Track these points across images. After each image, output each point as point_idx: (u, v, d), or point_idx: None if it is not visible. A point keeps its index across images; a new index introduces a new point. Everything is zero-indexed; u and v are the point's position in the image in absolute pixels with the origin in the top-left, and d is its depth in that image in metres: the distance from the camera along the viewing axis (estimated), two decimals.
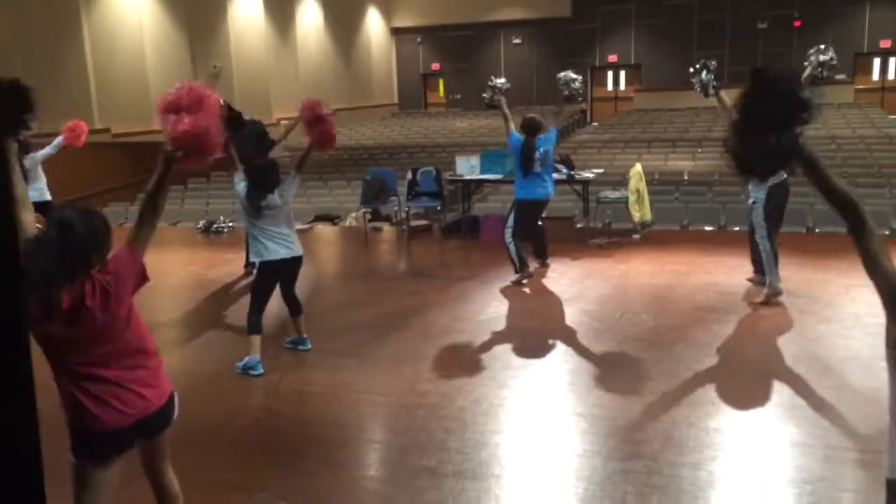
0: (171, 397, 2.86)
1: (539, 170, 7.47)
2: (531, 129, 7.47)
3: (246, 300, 6.79)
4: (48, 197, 8.61)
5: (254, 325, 5.41)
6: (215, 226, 11.12)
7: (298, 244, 5.49)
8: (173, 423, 2.89)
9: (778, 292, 6.52)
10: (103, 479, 2.74)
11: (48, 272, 2.41)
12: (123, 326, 2.67)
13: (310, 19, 23.74)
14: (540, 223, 8.07)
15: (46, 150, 8.56)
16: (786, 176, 6.39)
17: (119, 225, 10.37)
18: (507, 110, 7.88)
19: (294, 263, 5.48)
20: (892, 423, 2.02)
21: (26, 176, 8.04)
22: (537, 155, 7.41)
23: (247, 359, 5.37)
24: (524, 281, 7.51)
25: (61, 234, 2.46)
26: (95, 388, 2.63)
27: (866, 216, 2.02)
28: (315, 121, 5.63)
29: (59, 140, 8.61)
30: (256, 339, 5.41)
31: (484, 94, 8.17)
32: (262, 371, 5.35)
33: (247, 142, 7.17)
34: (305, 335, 5.80)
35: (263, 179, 5.28)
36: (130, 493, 3.12)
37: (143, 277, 2.76)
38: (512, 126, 7.72)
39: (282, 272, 5.49)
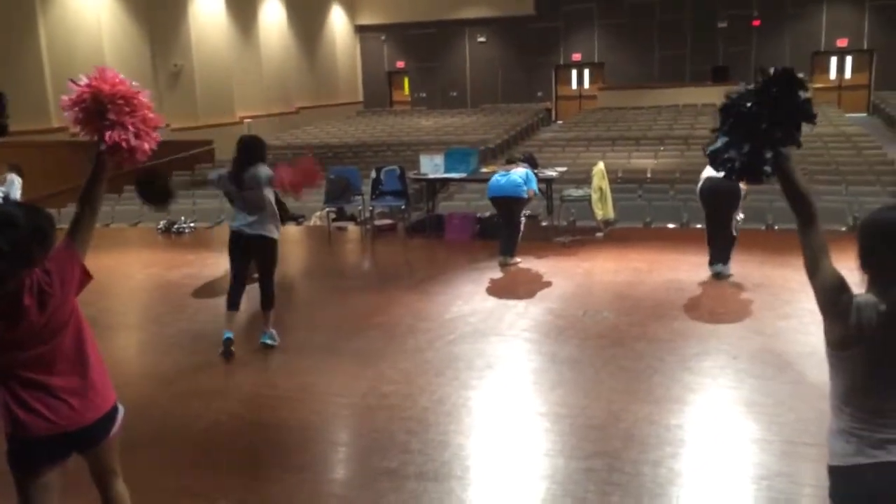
0: (113, 410, 2.71)
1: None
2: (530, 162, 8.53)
3: (206, 303, 6.72)
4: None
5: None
6: (176, 226, 10.97)
7: (264, 229, 5.48)
8: (112, 437, 2.74)
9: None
10: (39, 489, 2.63)
11: None
12: (60, 328, 2.56)
13: (272, 17, 23.52)
14: (512, 219, 8.21)
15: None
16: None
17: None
18: None
19: (248, 240, 5.50)
20: (832, 414, 2.13)
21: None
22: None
23: None
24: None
25: (4, 229, 2.37)
26: (24, 392, 2.53)
27: (817, 213, 2.14)
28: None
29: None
30: (226, 314, 5.67)
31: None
32: (225, 336, 5.57)
33: None
34: (271, 330, 5.77)
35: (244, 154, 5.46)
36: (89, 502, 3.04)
37: (84, 276, 2.64)
38: None
39: (238, 245, 5.57)
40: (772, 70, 2.15)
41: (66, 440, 2.61)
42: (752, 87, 2.16)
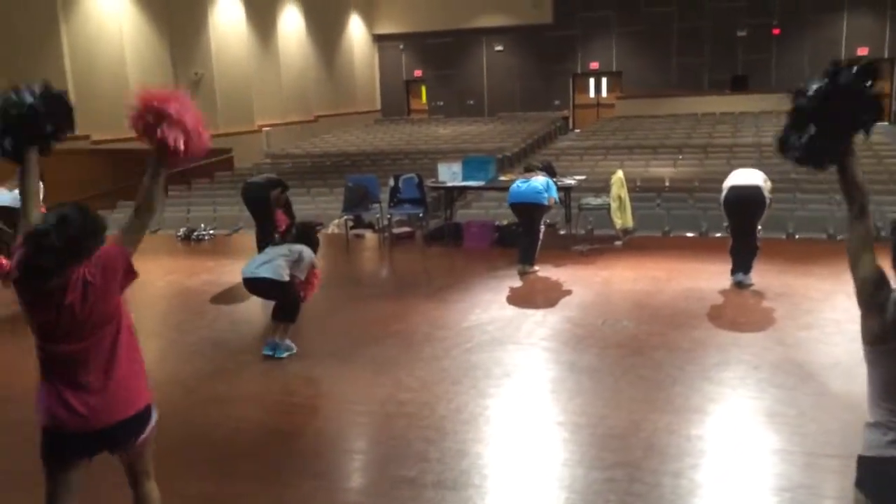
0: (145, 413, 2.78)
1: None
2: (547, 169, 8.61)
3: (225, 310, 6.74)
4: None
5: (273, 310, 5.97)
6: (196, 234, 11.03)
7: (264, 269, 5.71)
8: (143, 440, 2.81)
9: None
10: (64, 484, 2.73)
11: (44, 261, 2.48)
12: (101, 324, 2.64)
13: (292, 26, 23.66)
14: (531, 227, 8.17)
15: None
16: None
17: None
18: None
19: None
20: (868, 408, 2.23)
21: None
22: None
23: None
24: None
25: (60, 225, 2.50)
26: (62, 387, 2.64)
27: (869, 206, 2.21)
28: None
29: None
30: (273, 324, 5.93)
31: None
32: (265, 352, 5.78)
33: None
34: (275, 339, 5.79)
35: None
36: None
37: (130, 273, 2.73)
38: None
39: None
40: (840, 63, 2.21)
41: (96, 438, 2.69)
42: (823, 79, 2.22)
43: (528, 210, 8.04)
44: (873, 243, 2.18)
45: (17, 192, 8.48)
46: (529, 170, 8.50)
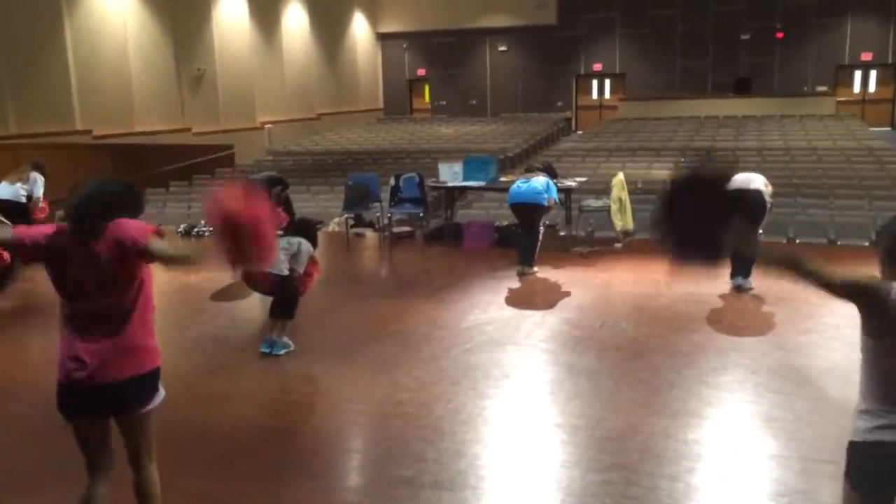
0: (149, 377, 2.92)
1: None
2: (547, 171, 8.53)
3: (225, 306, 6.74)
4: (23, 199, 8.62)
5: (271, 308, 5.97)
6: (196, 230, 11.04)
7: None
8: (146, 411, 2.94)
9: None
10: (79, 436, 2.93)
11: (91, 208, 2.81)
12: (121, 285, 2.84)
13: (295, 23, 23.67)
14: (531, 229, 8.13)
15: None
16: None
17: None
18: None
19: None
20: (860, 396, 2.33)
21: None
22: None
23: None
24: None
25: (122, 185, 2.95)
26: (74, 340, 2.83)
27: (805, 265, 2.31)
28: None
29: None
30: (270, 322, 5.91)
31: None
32: (263, 350, 5.77)
33: None
34: (272, 337, 5.78)
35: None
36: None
37: (154, 233, 2.94)
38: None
39: None
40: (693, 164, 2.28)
41: (100, 392, 2.83)
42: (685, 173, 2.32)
43: (528, 210, 8.05)
44: (819, 263, 2.27)
45: (18, 185, 8.59)
46: (530, 170, 8.51)
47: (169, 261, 2.99)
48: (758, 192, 6.93)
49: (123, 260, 2.82)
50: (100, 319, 2.83)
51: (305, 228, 6.08)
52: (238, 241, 2.72)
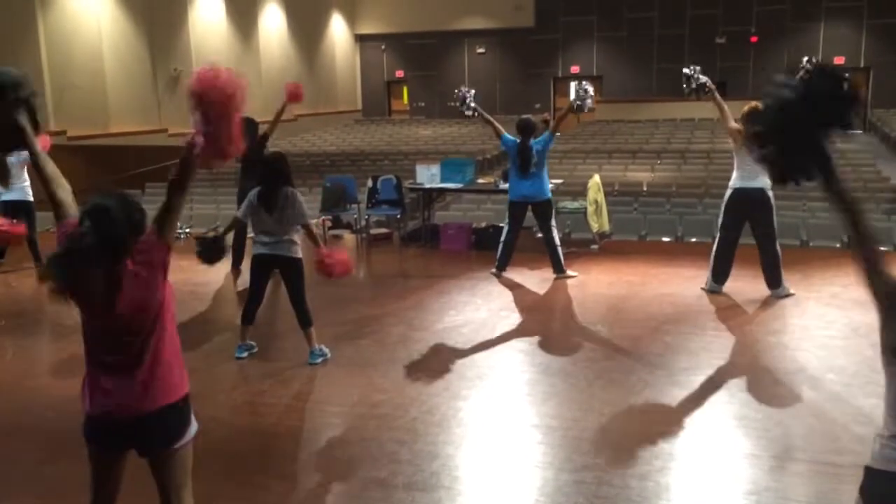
0: (171, 409, 2.70)
1: (534, 170, 7.69)
2: (525, 129, 7.73)
3: (197, 310, 6.70)
4: (30, 197, 8.52)
5: (242, 314, 5.81)
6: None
7: (290, 250, 5.59)
8: (175, 449, 2.75)
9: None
10: (96, 464, 2.75)
11: (88, 256, 2.42)
12: (146, 317, 2.62)
13: (273, 24, 23.59)
14: (547, 230, 7.94)
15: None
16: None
17: None
18: (488, 116, 8.31)
19: (274, 263, 5.67)
20: (884, 421, 2.13)
21: (7, 176, 8.06)
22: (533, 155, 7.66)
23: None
24: (495, 274, 8.10)
25: (98, 218, 2.46)
26: (97, 372, 2.65)
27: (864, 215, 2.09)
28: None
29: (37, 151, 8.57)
30: (241, 328, 5.78)
31: (464, 111, 8.44)
32: (239, 355, 5.71)
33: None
34: (313, 347, 5.64)
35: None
36: None
37: (167, 254, 2.71)
38: (501, 129, 8.10)
39: (265, 268, 5.76)
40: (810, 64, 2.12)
41: (119, 427, 2.66)
42: (792, 80, 2.08)
43: (537, 208, 7.89)
44: (879, 249, 2.10)
45: (25, 184, 8.43)
46: (526, 129, 7.79)
47: (178, 215, 2.77)
48: (761, 192, 6.71)
49: (157, 272, 2.64)
50: (122, 349, 2.63)
51: (276, 167, 5.59)
52: (215, 117, 2.66)
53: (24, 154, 9.11)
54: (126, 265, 2.57)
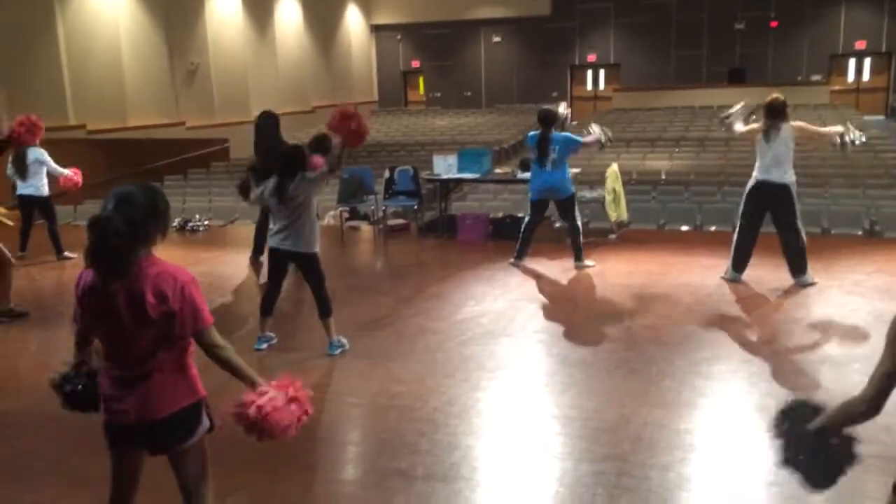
0: (179, 414, 2.75)
1: (554, 158, 7.66)
2: (546, 120, 7.71)
3: (218, 301, 6.73)
4: (44, 193, 8.89)
5: (261, 306, 5.84)
6: (191, 224, 11.02)
7: (307, 245, 5.52)
8: (187, 447, 2.83)
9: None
10: (115, 464, 2.80)
11: (116, 233, 2.44)
12: (164, 326, 2.65)
13: (289, 16, 23.60)
14: (569, 220, 7.94)
15: (55, 168, 8.91)
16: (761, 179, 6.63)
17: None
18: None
19: (291, 258, 5.67)
20: None
21: (25, 171, 8.57)
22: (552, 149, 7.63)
23: None
24: (514, 263, 8.10)
25: (122, 207, 2.49)
26: (109, 379, 2.69)
27: (864, 410, 2.35)
28: (342, 122, 5.55)
29: (65, 172, 9.00)
30: (261, 320, 5.82)
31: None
32: (258, 347, 5.74)
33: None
34: (332, 339, 5.66)
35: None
36: None
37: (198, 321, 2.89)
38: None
39: (282, 264, 5.76)
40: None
41: (129, 432, 2.71)
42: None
43: (560, 205, 7.92)
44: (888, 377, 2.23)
45: (40, 182, 8.73)
46: (548, 120, 7.73)
47: (223, 364, 2.92)
48: (785, 188, 6.65)
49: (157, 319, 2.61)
50: (134, 356, 2.66)
51: (292, 159, 5.54)
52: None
53: (42, 154, 9.46)
54: (150, 272, 2.57)
